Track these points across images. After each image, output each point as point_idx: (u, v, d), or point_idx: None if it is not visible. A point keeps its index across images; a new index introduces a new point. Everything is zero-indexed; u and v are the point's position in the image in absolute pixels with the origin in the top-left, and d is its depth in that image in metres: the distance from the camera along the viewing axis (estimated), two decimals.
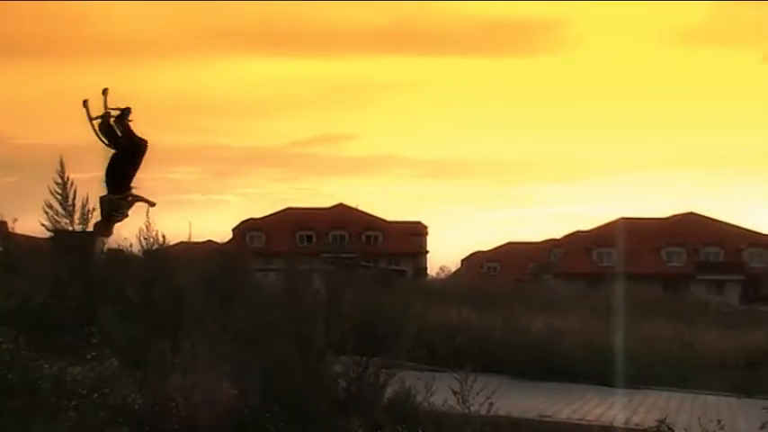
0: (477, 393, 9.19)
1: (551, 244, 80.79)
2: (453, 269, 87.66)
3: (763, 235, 76.63)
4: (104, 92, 11.31)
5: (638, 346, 18.97)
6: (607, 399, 14.07)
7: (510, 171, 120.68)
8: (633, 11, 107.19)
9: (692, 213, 78.88)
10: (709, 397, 16.11)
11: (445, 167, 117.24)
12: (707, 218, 78.39)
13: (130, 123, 11.45)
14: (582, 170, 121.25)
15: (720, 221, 78.05)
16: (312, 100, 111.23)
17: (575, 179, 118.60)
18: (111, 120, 11.33)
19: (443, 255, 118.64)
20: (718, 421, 9.57)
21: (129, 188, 11.28)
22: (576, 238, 77.37)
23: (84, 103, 11.25)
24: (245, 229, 79.16)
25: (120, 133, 11.31)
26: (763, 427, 8.48)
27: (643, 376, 16.70)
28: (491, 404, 9.20)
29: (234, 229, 75.28)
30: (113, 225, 10.87)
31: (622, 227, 71.24)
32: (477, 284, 43.77)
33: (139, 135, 11.57)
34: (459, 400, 9.13)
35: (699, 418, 9.93)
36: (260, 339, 9.31)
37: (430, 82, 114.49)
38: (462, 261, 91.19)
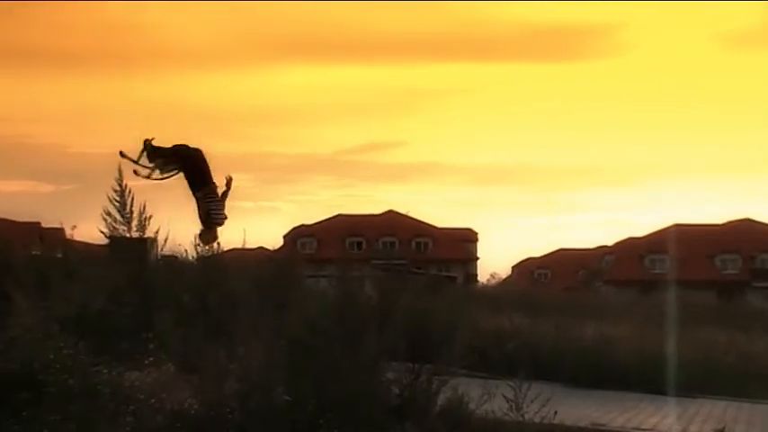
0: (532, 401, 9.15)
1: (603, 251, 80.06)
2: (504, 276, 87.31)
3: None
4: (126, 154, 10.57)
5: (693, 355, 18.70)
6: (662, 407, 13.90)
7: (561, 177, 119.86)
8: (685, 14, 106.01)
9: (747, 219, 77.60)
10: None
11: (495, 174, 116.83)
12: (763, 224, 77.06)
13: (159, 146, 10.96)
14: (634, 176, 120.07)
15: None
16: (363, 107, 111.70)
17: (627, 185, 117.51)
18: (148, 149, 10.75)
19: (494, 261, 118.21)
20: None
21: (211, 183, 10.65)
22: (627, 245, 76.59)
23: (121, 154, 10.54)
24: (296, 236, 79.63)
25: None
26: None
27: (698, 385, 16.47)
28: (555, 412, 9.14)
29: (285, 236, 75.75)
30: (215, 229, 10.45)
31: (675, 233, 70.34)
32: (529, 291, 43.52)
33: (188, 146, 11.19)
34: (512, 407, 9.11)
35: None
36: (313, 345, 9.37)
37: (479, 88, 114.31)
38: (513, 268, 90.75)
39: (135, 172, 9.13)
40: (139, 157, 9.08)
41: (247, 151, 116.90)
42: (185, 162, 9.42)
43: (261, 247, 22.26)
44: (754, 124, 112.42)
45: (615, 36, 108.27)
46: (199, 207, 9.61)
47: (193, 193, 9.64)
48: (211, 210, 9.07)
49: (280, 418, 8.38)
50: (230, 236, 12.87)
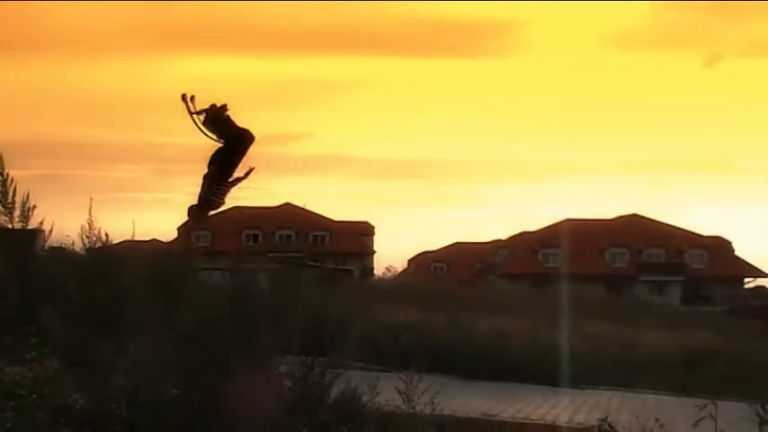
0: (423, 393, 9.23)
1: (497, 244, 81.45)
2: (400, 269, 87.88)
3: (704, 237, 78.10)
4: (188, 98, 10.69)
5: (582, 347, 19.20)
6: (551, 398, 14.21)
7: (458, 172, 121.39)
8: (582, 15, 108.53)
9: (635, 215, 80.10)
10: (650, 396, 16.36)
11: (394, 167, 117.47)
12: (650, 219, 79.68)
13: (230, 116, 10.91)
14: (529, 171, 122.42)
15: (663, 223, 79.39)
16: (261, 99, 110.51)
17: (522, 180, 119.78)
18: (211, 114, 10.60)
19: (391, 255, 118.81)
20: (656, 419, 9.77)
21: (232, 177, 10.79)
22: (521, 239, 78.11)
23: (184, 97, 10.59)
24: (191, 228, 78.48)
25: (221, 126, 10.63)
26: (696, 425, 8.68)
27: (587, 376, 16.90)
28: (434, 403, 9.26)
29: (179, 228, 74.64)
30: (208, 212, 10.57)
31: (567, 228, 72.06)
32: (424, 285, 43.93)
33: (242, 126, 11.05)
34: (404, 399, 9.16)
35: (638, 417, 10.11)
36: (205, 339, 9.23)
37: (380, 82, 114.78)
38: (409, 261, 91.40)
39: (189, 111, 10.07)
40: (199, 114, 10.16)
41: (144, 141, 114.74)
42: (229, 144, 10.12)
43: (154, 239, 21.82)
44: (643, 123, 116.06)
45: (513, 34, 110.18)
46: (203, 184, 9.98)
47: (208, 166, 10.02)
48: (215, 193, 9.56)
49: (168, 413, 8.22)
50: (122, 227, 12.60)
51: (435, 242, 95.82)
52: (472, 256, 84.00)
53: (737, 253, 77.28)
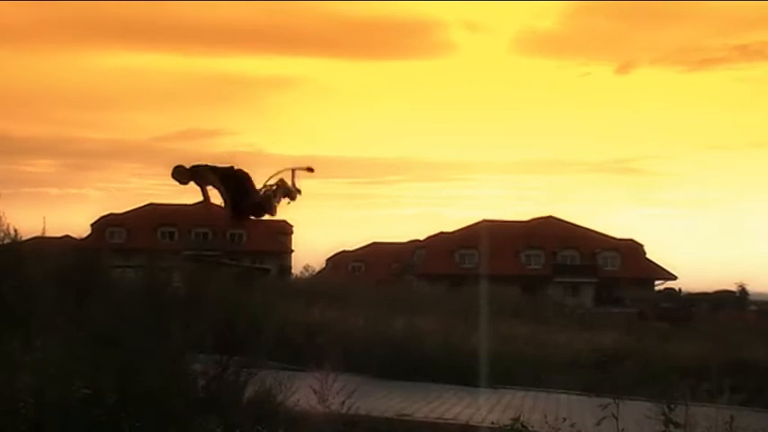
0: (338, 393, 9.22)
1: (415, 245, 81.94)
2: (318, 268, 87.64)
3: (616, 239, 79.87)
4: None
5: (497, 347, 19.41)
6: (465, 398, 14.33)
7: (377, 171, 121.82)
8: (501, 18, 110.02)
9: (550, 217, 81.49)
10: (562, 396, 16.62)
11: (313, 166, 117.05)
12: (564, 222, 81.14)
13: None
14: (447, 171, 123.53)
15: (577, 225, 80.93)
16: (177, 95, 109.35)
17: (440, 181, 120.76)
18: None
19: (309, 254, 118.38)
20: (564, 419, 9.98)
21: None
22: (438, 239, 78.73)
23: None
24: (105, 225, 77.14)
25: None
26: (598, 423, 8.93)
27: (501, 376, 17.09)
28: (345, 402, 9.26)
29: (93, 225, 73.37)
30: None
31: (484, 229, 72.92)
32: (341, 284, 43.92)
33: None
34: (319, 399, 9.14)
35: (545, 416, 10.30)
36: (117, 337, 9.06)
37: (299, 80, 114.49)
38: (327, 260, 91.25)
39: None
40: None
41: (55, 135, 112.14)
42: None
43: (67, 236, 21.34)
44: (557, 126, 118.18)
45: (436, 36, 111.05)
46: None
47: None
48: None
49: (77, 413, 8.04)
50: (32, 223, 12.28)
51: (353, 242, 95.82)
52: (390, 256, 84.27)
53: (649, 256, 79.28)
